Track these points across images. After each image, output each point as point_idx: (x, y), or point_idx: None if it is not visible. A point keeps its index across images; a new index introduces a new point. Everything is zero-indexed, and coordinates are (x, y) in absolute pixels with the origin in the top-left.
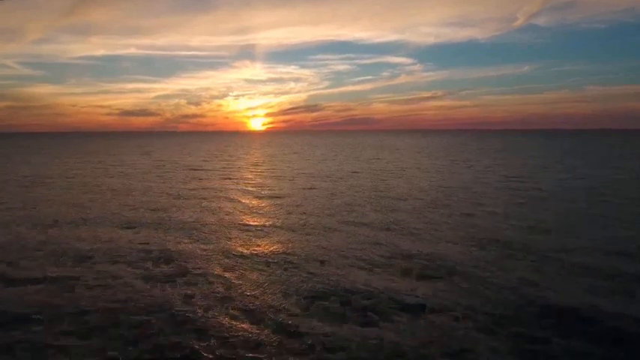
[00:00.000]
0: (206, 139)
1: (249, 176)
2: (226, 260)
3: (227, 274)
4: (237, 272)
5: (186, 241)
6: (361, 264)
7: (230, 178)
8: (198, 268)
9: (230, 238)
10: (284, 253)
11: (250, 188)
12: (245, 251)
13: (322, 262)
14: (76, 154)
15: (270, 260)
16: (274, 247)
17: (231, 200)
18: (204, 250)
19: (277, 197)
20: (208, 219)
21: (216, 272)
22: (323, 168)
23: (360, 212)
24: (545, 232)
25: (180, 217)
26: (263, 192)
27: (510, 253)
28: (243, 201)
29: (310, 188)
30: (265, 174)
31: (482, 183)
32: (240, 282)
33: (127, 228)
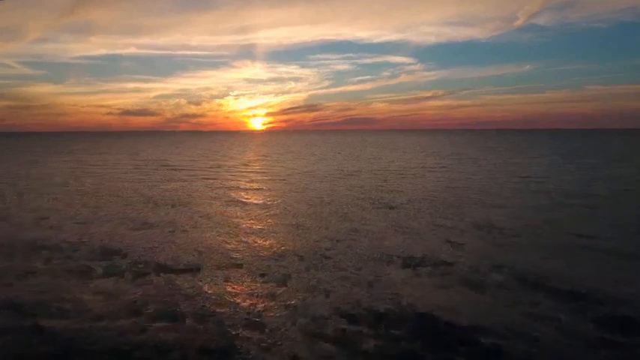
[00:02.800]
0: (204, 138)
1: (237, 177)
2: (164, 308)
3: (159, 335)
4: (167, 334)
5: (124, 279)
6: (353, 324)
7: (215, 179)
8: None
9: (180, 270)
10: (252, 295)
11: (233, 192)
12: (195, 291)
13: (297, 323)
14: (62, 153)
15: (228, 315)
16: (239, 284)
17: (206, 206)
18: (141, 289)
19: (263, 203)
20: (167, 236)
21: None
22: (320, 168)
23: (358, 220)
24: (608, 254)
25: (135, 229)
26: (247, 196)
27: (563, 293)
28: (220, 208)
29: (303, 190)
30: (256, 174)
31: (498, 184)
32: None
33: (64, 242)
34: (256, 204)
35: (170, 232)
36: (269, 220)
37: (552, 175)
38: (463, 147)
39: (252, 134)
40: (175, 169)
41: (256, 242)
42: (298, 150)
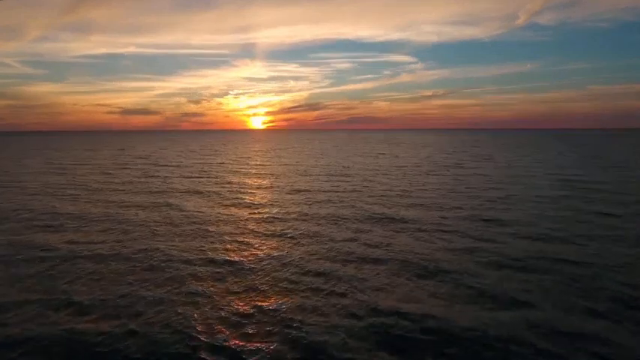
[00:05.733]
0: (202, 137)
1: (222, 175)
2: None
3: None
4: None
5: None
6: None
7: (198, 177)
8: None
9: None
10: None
11: (210, 192)
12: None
13: None
14: (44, 151)
15: None
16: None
17: (171, 210)
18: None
19: (241, 205)
20: (97, 257)
21: None
22: (317, 166)
23: (354, 232)
24: None
25: (65, 239)
26: (225, 195)
27: None
28: (167, 214)
29: (295, 191)
30: (242, 175)
31: (537, 187)
32: None
33: None
34: (234, 205)
35: (104, 250)
36: (241, 230)
37: (587, 173)
38: (476, 145)
39: (252, 133)
40: (157, 165)
41: (179, 288)
42: (298, 147)
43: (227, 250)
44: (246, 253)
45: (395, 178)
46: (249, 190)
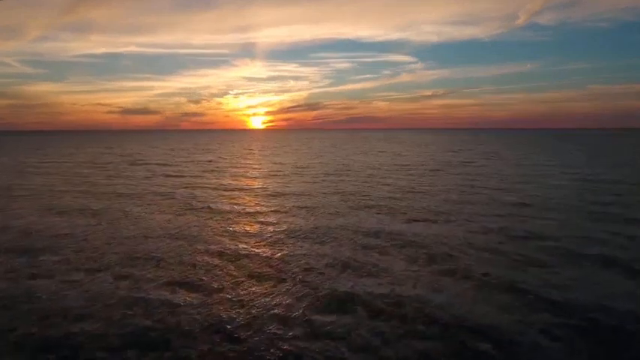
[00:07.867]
0: (200, 136)
1: (205, 175)
2: None
3: None
4: None
5: None
6: None
7: (178, 177)
8: None
9: None
10: None
11: (183, 195)
12: None
13: None
14: (29, 150)
15: None
16: None
17: (124, 219)
18: None
19: (216, 212)
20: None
21: None
22: (315, 165)
23: (366, 258)
24: None
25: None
26: (201, 198)
27: None
28: (137, 224)
29: (287, 195)
30: (232, 172)
31: (553, 188)
32: None
33: None
34: (184, 227)
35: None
36: (180, 271)
37: (604, 172)
38: (480, 144)
39: (251, 132)
40: (137, 165)
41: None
42: (295, 147)
43: (181, 282)
44: (202, 290)
45: (397, 178)
46: (233, 194)
